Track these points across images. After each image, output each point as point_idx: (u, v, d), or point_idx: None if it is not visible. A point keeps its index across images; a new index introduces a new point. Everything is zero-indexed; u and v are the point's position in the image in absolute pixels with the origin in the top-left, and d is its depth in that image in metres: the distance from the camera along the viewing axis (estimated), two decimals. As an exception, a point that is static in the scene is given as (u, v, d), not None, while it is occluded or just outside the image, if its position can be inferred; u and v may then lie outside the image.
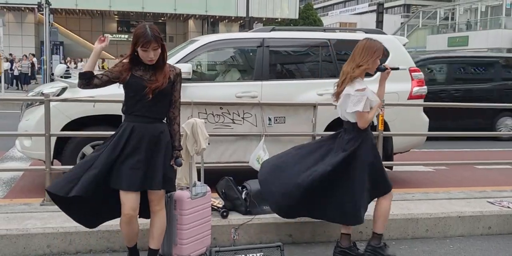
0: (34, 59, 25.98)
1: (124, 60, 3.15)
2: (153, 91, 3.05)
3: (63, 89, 5.14)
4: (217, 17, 35.51)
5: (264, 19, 35.51)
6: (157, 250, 3.28)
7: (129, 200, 3.06)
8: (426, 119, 5.99)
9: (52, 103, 4.50)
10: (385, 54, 3.72)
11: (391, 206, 3.82)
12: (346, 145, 3.59)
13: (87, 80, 3.09)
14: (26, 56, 25.54)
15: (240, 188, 4.25)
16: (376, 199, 3.78)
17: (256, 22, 33.82)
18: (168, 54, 5.78)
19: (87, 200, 3.10)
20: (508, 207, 4.59)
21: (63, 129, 4.94)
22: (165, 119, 3.25)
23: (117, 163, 3.06)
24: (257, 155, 4.70)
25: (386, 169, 5.51)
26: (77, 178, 3.04)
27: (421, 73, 6.08)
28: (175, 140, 3.25)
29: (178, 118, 3.26)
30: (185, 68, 5.06)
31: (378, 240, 3.75)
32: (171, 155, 3.21)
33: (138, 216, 3.21)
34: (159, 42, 3.04)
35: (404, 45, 6.18)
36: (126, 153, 3.06)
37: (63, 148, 5.06)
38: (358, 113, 3.54)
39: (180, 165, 3.27)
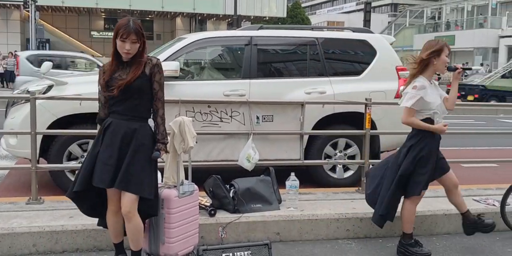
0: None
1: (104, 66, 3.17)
2: (119, 87, 3.03)
3: (49, 87, 5.10)
4: (205, 15, 35.40)
5: (252, 18, 35.46)
6: (136, 251, 3.24)
7: (111, 195, 3.12)
8: (413, 118, 6.02)
9: (38, 101, 4.46)
10: (439, 51, 3.71)
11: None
12: (407, 142, 3.85)
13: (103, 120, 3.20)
14: (12, 53, 25.26)
15: (228, 186, 4.25)
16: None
17: (244, 20, 33.78)
18: (155, 52, 5.77)
19: (90, 196, 3.18)
20: (494, 205, 4.64)
21: (50, 127, 4.90)
22: (148, 117, 3.19)
23: (96, 159, 3.08)
24: (247, 154, 4.70)
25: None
26: (77, 176, 3.16)
27: (407, 71, 6.11)
28: (158, 133, 3.18)
29: (160, 111, 3.19)
30: (173, 66, 5.04)
31: (407, 238, 3.89)
32: (146, 156, 3.11)
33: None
34: (140, 36, 3.03)
35: (391, 44, 6.21)
36: (102, 148, 3.08)
37: (49, 147, 5.02)
38: (405, 108, 3.70)
39: (156, 157, 3.15)
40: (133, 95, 3.09)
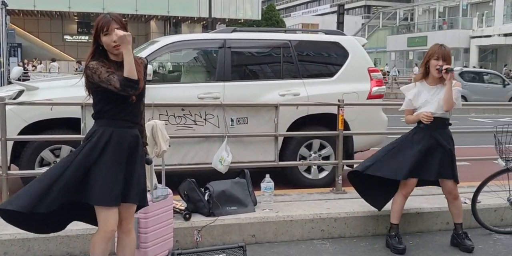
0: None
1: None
2: (135, 92, 2.74)
3: (20, 92, 5.03)
4: (179, 17, 35.31)
5: (227, 20, 35.50)
6: None
7: (112, 215, 2.76)
8: (385, 118, 6.11)
9: (8, 107, 4.39)
10: (430, 56, 3.89)
11: (352, 203, 3.87)
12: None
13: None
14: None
15: (202, 189, 4.24)
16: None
17: (219, 23, 33.79)
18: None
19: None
20: (465, 203, 4.71)
21: (21, 133, 4.83)
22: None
23: (91, 173, 2.72)
24: (220, 156, 4.70)
25: (346, 168, 5.63)
26: (44, 191, 2.65)
27: (380, 73, 6.20)
28: (142, 136, 2.98)
29: (143, 113, 3.00)
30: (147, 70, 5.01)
31: (391, 228, 4.10)
32: (144, 162, 2.94)
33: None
34: (121, 24, 2.74)
35: (363, 45, 6.29)
36: (103, 161, 2.73)
37: (20, 153, 4.95)
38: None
39: (150, 163, 3.03)
40: (140, 99, 2.89)
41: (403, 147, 4.00)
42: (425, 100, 3.95)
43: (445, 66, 3.84)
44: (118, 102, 2.77)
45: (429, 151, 3.93)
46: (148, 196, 3.44)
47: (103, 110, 2.80)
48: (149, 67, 5.09)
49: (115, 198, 2.73)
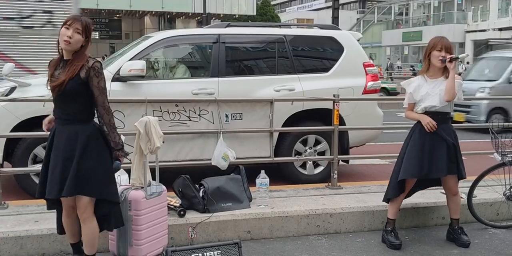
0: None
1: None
2: (54, 90, 2.95)
3: (12, 89, 4.98)
4: (174, 13, 35.18)
5: (221, 16, 35.39)
6: (93, 255, 3.19)
7: (63, 200, 3.12)
8: (381, 113, 6.09)
9: (0, 103, 4.35)
10: (431, 48, 3.88)
11: (348, 199, 3.84)
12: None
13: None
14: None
15: (197, 186, 4.22)
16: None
17: (213, 18, 33.68)
18: (121, 51, 5.65)
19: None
20: (461, 197, 4.70)
21: (14, 129, 4.78)
22: (91, 119, 3.08)
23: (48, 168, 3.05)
24: (223, 153, 4.67)
25: (342, 163, 5.62)
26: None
27: (375, 67, 6.17)
28: (110, 141, 3.07)
29: (106, 117, 3.04)
30: (138, 65, 4.98)
31: (387, 223, 4.12)
32: (99, 158, 3.03)
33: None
34: (85, 31, 2.94)
35: (358, 40, 6.26)
36: (50, 157, 3.03)
37: (13, 150, 4.90)
38: None
39: (117, 168, 3.11)
40: (68, 99, 2.97)
41: (411, 146, 3.97)
42: (425, 92, 3.91)
43: (450, 55, 3.82)
44: (55, 101, 3.05)
45: (433, 147, 3.90)
46: (142, 193, 3.42)
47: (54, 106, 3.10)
48: (142, 62, 5.05)
49: (51, 191, 2.97)
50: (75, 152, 2.96)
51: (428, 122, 3.86)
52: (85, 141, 2.98)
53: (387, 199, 4.12)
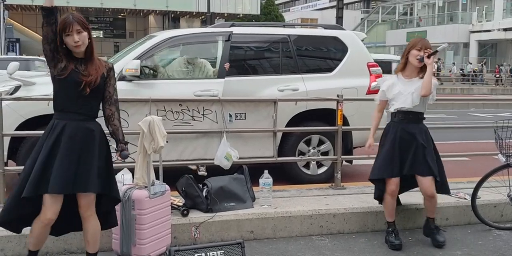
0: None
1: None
2: (89, 86, 2.94)
3: (17, 88, 4.99)
4: (178, 12, 35.22)
5: (226, 15, 35.43)
6: (95, 253, 3.19)
7: (54, 204, 2.93)
8: (385, 114, 6.06)
9: (5, 102, 4.35)
10: (411, 48, 3.91)
11: (351, 199, 3.85)
12: None
13: (49, 15, 2.88)
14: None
15: (200, 185, 4.22)
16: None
17: (217, 17, 33.69)
18: (125, 50, 5.64)
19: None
20: (465, 198, 4.70)
21: (18, 128, 4.79)
22: (96, 117, 3.11)
23: (49, 165, 2.91)
24: (226, 153, 4.66)
25: (345, 163, 5.61)
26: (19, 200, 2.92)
27: (379, 68, 6.16)
28: (118, 134, 3.13)
29: (116, 114, 3.14)
30: (133, 65, 4.98)
31: (388, 225, 4.11)
32: (107, 155, 3.10)
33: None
34: (83, 25, 2.92)
35: (362, 40, 6.25)
36: (58, 153, 2.92)
37: (18, 148, 4.91)
38: None
39: (125, 157, 3.12)
40: (93, 95, 3.01)
41: (383, 146, 4.03)
42: (398, 91, 3.93)
43: (427, 51, 3.84)
44: (70, 95, 2.95)
45: (403, 146, 3.91)
46: (146, 192, 3.43)
47: (57, 102, 3.00)
48: (137, 62, 5.05)
49: (60, 187, 2.88)
50: (94, 149, 2.98)
51: (369, 145, 4.16)
52: (100, 138, 3.04)
53: (378, 199, 4.19)
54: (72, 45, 2.91)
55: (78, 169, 2.93)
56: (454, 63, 36.55)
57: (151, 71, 5.58)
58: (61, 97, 2.98)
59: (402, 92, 3.91)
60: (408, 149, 3.91)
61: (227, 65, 5.39)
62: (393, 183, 3.95)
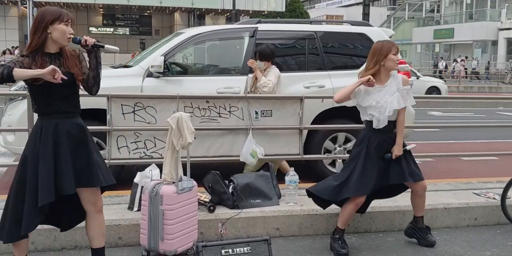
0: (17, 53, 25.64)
1: (23, 56, 2.83)
2: (77, 78, 2.89)
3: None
4: (203, 10, 35.31)
5: (250, 12, 35.39)
6: (103, 247, 3.18)
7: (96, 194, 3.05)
8: (413, 111, 6.00)
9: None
10: (391, 50, 3.77)
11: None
12: None
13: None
14: (9, 50, 25.21)
15: (227, 182, 4.23)
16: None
17: (242, 15, 33.68)
18: (152, 47, 5.68)
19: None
20: (494, 198, 4.62)
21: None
22: (80, 112, 3.06)
23: (57, 166, 2.87)
24: (252, 150, 4.67)
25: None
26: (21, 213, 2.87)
27: (407, 65, 6.08)
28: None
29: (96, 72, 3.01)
30: (157, 62, 5.03)
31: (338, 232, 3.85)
32: (97, 149, 3.10)
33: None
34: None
35: (390, 37, 6.16)
36: (59, 153, 2.87)
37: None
38: None
39: (77, 42, 2.95)
40: (75, 91, 2.96)
41: (365, 161, 3.71)
42: (376, 101, 3.68)
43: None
44: (57, 94, 2.84)
45: (382, 156, 3.72)
46: (174, 187, 3.45)
47: (43, 104, 2.87)
48: (160, 58, 5.08)
49: (68, 187, 2.87)
50: (87, 144, 2.97)
51: (365, 80, 3.65)
52: (89, 133, 3.04)
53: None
54: (65, 37, 2.86)
55: (74, 167, 2.89)
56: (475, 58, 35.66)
57: (178, 68, 5.62)
58: (46, 98, 2.85)
59: (379, 101, 3.68)
60: (387, 161, 3.72)
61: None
62: (364, 196, 3.75)
